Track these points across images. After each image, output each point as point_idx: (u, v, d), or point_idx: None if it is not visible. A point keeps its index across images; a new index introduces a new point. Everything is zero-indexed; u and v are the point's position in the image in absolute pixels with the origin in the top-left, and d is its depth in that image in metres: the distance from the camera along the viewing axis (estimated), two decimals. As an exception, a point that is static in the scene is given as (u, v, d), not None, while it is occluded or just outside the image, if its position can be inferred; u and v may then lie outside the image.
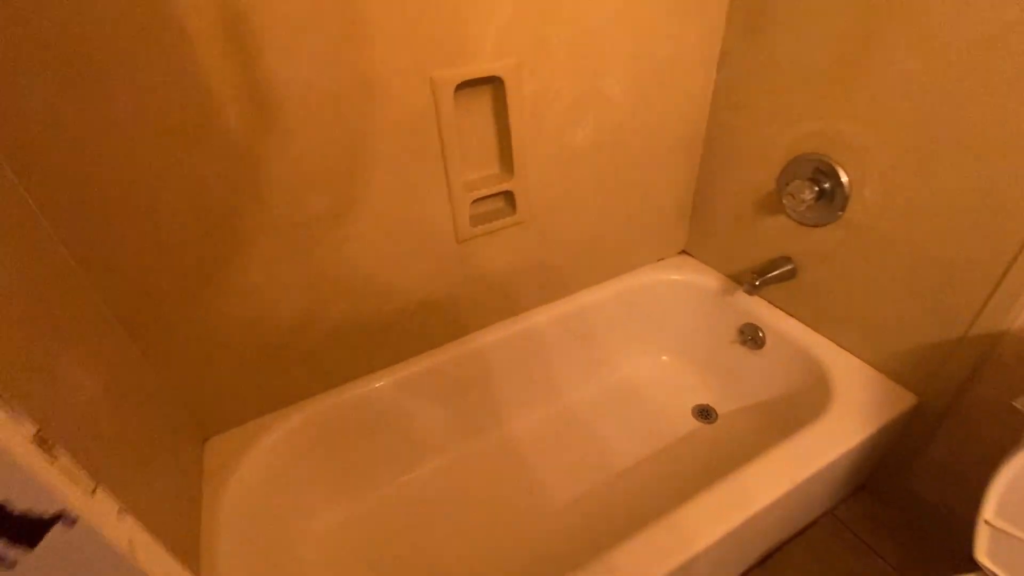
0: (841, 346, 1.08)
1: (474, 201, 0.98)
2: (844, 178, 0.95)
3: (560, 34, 0.89)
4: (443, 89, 0.83)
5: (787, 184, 1.02)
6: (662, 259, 1.38)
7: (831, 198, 0.98)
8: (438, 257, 1.01)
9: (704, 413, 1.30)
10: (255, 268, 0.84)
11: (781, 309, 1.19)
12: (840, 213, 0.98)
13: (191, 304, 0.82)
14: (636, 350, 1.40)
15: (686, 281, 1.32)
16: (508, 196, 1.03)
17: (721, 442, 1.23)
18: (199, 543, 0.81)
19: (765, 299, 1.21)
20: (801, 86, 0.97)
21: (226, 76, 0.69)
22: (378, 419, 1.10)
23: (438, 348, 1.13)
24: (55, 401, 0.56)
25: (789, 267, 1.11)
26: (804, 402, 1.08)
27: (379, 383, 1.07)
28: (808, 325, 1.14)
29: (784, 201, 1.02)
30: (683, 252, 1.41)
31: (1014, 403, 0.73)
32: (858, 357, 1.06)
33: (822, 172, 0.98)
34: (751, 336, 1.22)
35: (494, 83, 0.89)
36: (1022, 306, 0.79)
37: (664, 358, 1.42)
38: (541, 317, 1.21)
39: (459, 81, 0.84)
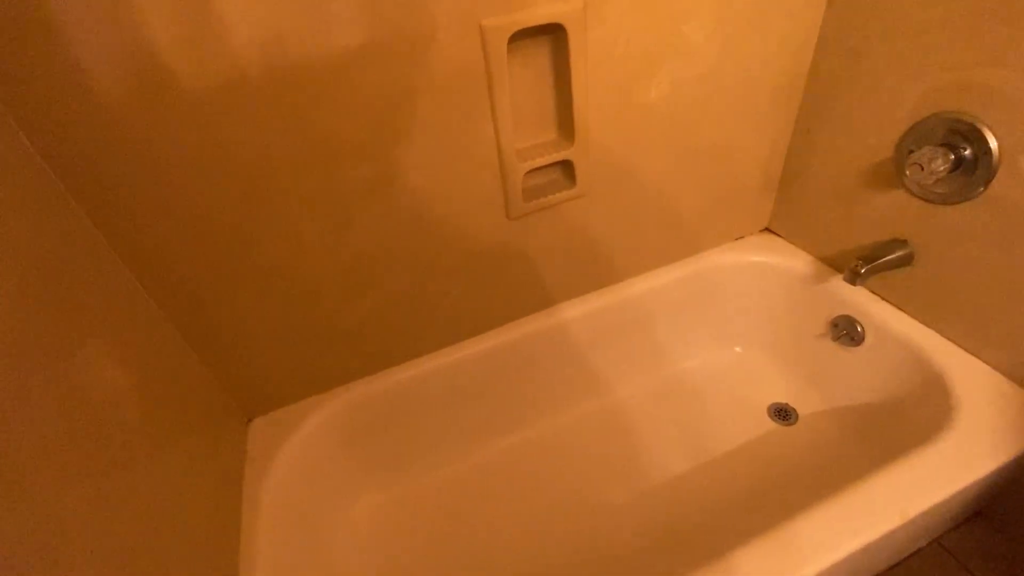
0: (966, 350, 0.90)
1: (528, 172, 0.86)
2: (993, 143, 0.75)
3: (635, -32, 0.74)
4: (495, 39, 0.71)
5: (912, 151, 0.83)
6: (741, 237, 1.21)
7: (972, 169, 0.79)
8: (486, 235, 0.91)
9: (782, 413, 1.15)
10: (294, 241, 0.78)
11: (887, 301, 1.00)
12: (981, 189, 0.79)
13: (231, 281, 0.78)
14: (706, 340, 1.25)
15: (769, 264, 1.15)
16: (566, 166, 0.90)
17: (801, 447, 1.09)
18: (240, 526, 0.79)
19: (867, 288, 1.03)
20: (939, 25, 0.77)
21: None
22: (422, 405, 1.04)
23: (486, 333, 1.05)
24: (73, 390, 0.53)
25: (905, 252, 0.92)
26: (914, 414, 0.91)
27: (423, 367, 1.01)
28: (923, 322, 0.95)
29: (907, 172, 0.83)
30: (766, 230, 1.23)
31: None
32: (988, 364, 0.87)
33: (962, 136, 0.78)
34: (846, 330, 1.05)
35: (554, 32, 0.76)
36: None
37: (737, 349, 1.27)
38: (600, 302, 1.10)
39: (514, 30, 0.71)
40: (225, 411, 0.88)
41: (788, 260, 1.13)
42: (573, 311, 1.09)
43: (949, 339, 0.92)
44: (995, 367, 0.87)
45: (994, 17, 0.71)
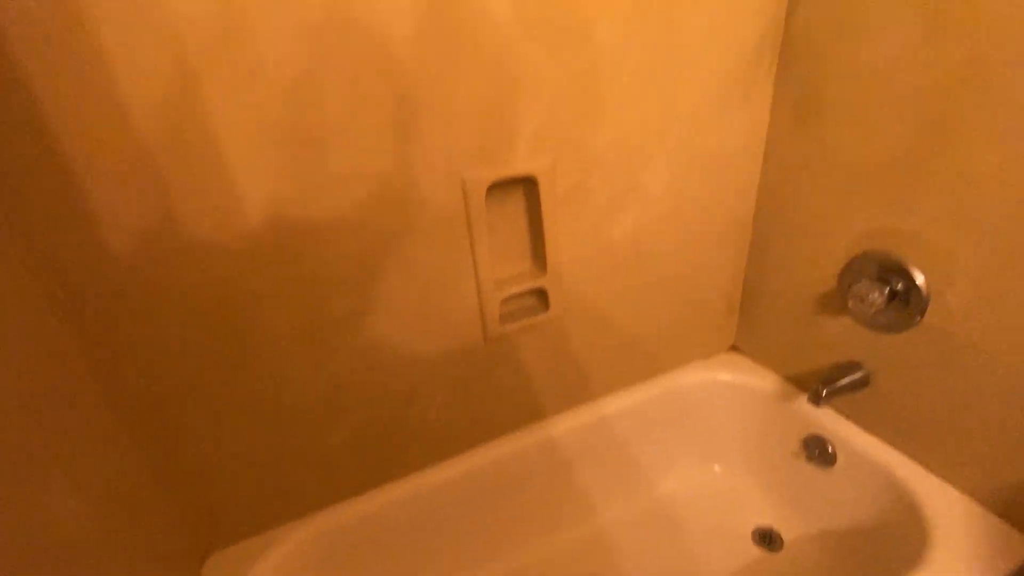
0: (932, 471, 0.92)
1: (505, 299, 0.92)
2: (920, 279, 0.84)
3: (598, 133, 0.87)
4: (475, 189, 0.80)
5: (851, 285, 0.92)
6: (710, 356, 1.26)
7: (906, 301, 0.87)
8: (464, 358, 0.95)
9: (767, 538, 1.12)
10: (277, 371, 0.80)
11: (854, 422, 1.04)
12: (919, 318, 0.86)
13: (211, 410, 0.78)
14: (684, 460, 1.25)
15: (738, 382, 1.19)
16: (541, 293, 0.97)
17: (789, 577, 1.05)
18: None
19: (833, 409, 1.07)
20: (861, 181, 0.89)
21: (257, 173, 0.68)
22: (394, 533, 0.99)
23: (458, 456, 1.03)
24: (34, 526, 0.51)
25: (860, 374, 0.98)
26: (893, 539, 0.90)
27: (394, 493, 0.98)
28: (890, 444, 0.98)
29: (849, 303, 0.91)
30: (733, 348, 1.29)
31: None
32: (956, 487, 0.89)
33: (893, 271, 0.88)
34: (818, 450, 1.07)
35: (527, 182, 0.86)
36: None
37: (717, 468, 1.26)
38: (573, 422, 1.11)
39: (491, 181, 0.81)
40: (181, 546, 0.82)
41: (755, 379, 1.18)
42: (551, 430, 1.09)
43: (916, 461, 0.94)
44: (964, 491, 0.88)
45: (902, 175, 0.83)
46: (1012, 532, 0.81)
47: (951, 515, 0.85)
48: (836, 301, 1.00)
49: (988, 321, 0.78)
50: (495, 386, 1.01)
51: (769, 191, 1.07)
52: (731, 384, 1.20)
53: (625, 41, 0.82)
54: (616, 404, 1.15)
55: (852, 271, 0.94)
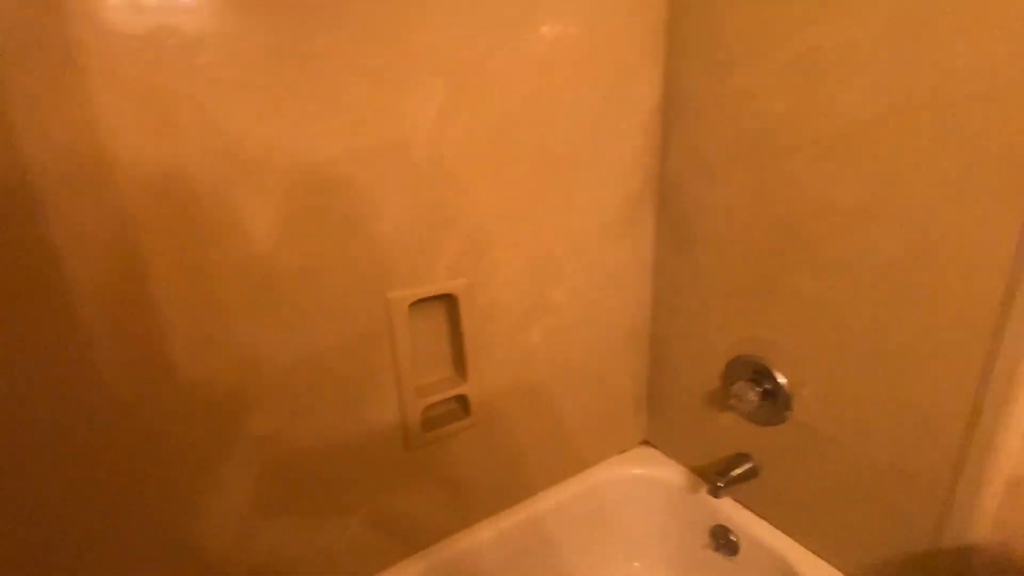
0: (815, 553, 1.02)
1: (427, 407, 0.97)
2: (782, 380, 1.00)
3: (510, 257, 0.99)
4: (398, 308, 0.88)
5: (731, 384, 1.06)
6: (624, 451, 1.35)
7: (775, 398, 1.02)
8: (386, 468, 0.96)
9: (687, 637, 1.15)
10: (179, 495, 0.78)
11: (750, 510, 1.14)
12: (788, 412, 1.01)
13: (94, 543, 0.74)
14: (606, 558, 1.28)
15: (649, 476, 1.28)
16: (462, 399, 1.03)
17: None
18: None
19: (732, 498, 1.17)
20: (727, 298, 1.07)
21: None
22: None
23: (386, 571, 1.01)
24: None
25: (749, 466, 1.09)
26: (791, 628, 0.97)
27: (310, 621, 0.92)
28: (780, 529, 1.08)
29: (730, 402, 1.05)
30: (645, 443, 1.38)
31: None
32: (834, 567, 0.99)
33: (762, 373, 1.03)
34: (724, 540, 1.14)
35: (448, 299, 0.96)
36: (983, 523, 0.78)
37: (636, 564, 1.30)
38: (499, 527, 1.12)
39: (413, 300, 0.90)
40: None
41: (664, 472, 1.27)
42: (478, 536, 1.09)
43: (802, 544, 1.04)
44: (840, 569, 0.98)
45: (756, 293, 1.01)
46: (884, 608, 0.91)
47: (834, 597, 0.93)
48: (723, 399, 1.14)
49: (835, 415, 0.93)
50: (419, 495, 1.02)
51: (661, 303, 1.24)
52: (643, 478, 1.28)
53: (533, 183, 0.98)
54: (539, 505, 1.18)
55: (732, 372, 1.09)
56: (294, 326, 0.81)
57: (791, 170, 0.90)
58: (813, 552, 1.02)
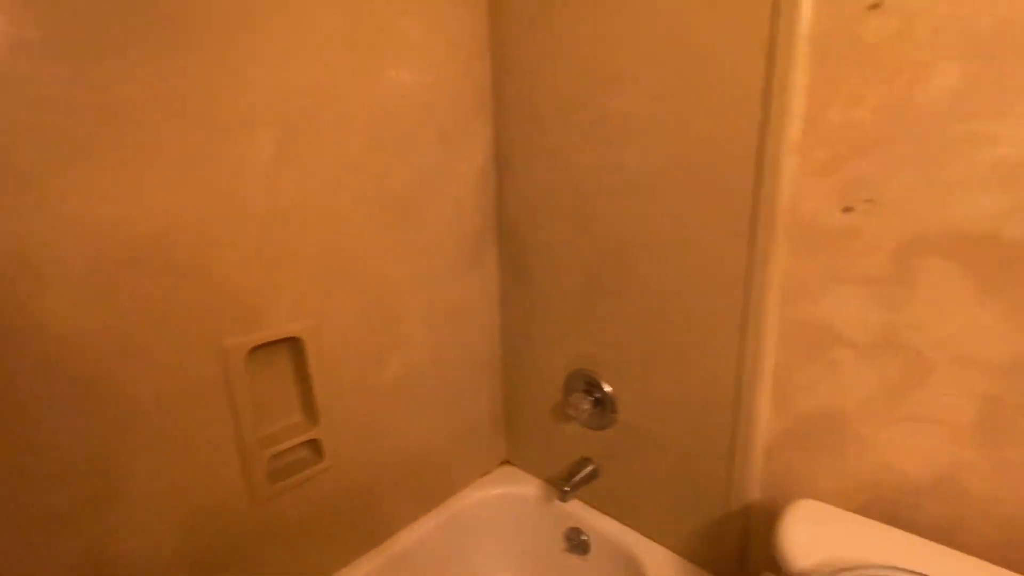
0: (649, 537, 1.18)
1: (274, 456, 0.94)
2: (608, 388, 1.16)
3: (356, 297, 1.02)
4: (235, 355, 0.86)
5: (568, 396, 1.20)
6: (487, 473, 1.42)
7: (604, 405, 1.17)
8: (230, 527, 0.91)
9: (552, 640, 1.23)
10: None
11: (596, 509, 1.27)
12: (615, 416, 1.17)
13: None
14: (475, 579, 1.32)
15: (509, 494, 1.36)
16: (314, 444, 1.01)
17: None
18: None
19: (581, 500, 1.30)
20: (561, 320, 1.22)
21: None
22: None
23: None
24: None
25: (591, 468, 1.23)
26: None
27: None
28: (621, 521, 1.23)
29: (569, 412, 1.18)
30: (506, 462, 1.47)
31: None
32: (664, 546, 1.15)
33: (592, 384, 1.18)
34: (576, 541, 1.26)
35: (292, 342, 0.95)
36: (754, 485, 0.98)
37: (505, 581, 1.36)
38: (359, 572, 1.10)
39: (253, 346, 0.88)
40: None
41: (523, 487, 1.36)
42: (337, 586, 1.06)
43: (639, 531, 1.19)
44: (669, 547, 1.15)
45: (583, 315, 1.17)
46: (700, 571, 1.09)
47: (663, 569, 1.09)
48: (565, 411, 1.27)
49: (648, 413, 1.11)
50: (272, 549, 0.97)
51: (509, 330, 1.35)
52: (504, 496, 1.36)
53: (375, 225, 1.03)
54: (403, 541, 1.19)
55: (570, 386, 1.23)
56: (107, 394, 0.74)
57: (600, 211, 1.08)
58: (647, 536, 1.18)
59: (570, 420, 1.27)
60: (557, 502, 1.30)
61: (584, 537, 1.25)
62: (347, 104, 0.94)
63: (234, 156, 0.82)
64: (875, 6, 0.69)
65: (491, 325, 1.34)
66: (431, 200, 1.12)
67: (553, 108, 1.10)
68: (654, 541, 1.17)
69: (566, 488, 1.18)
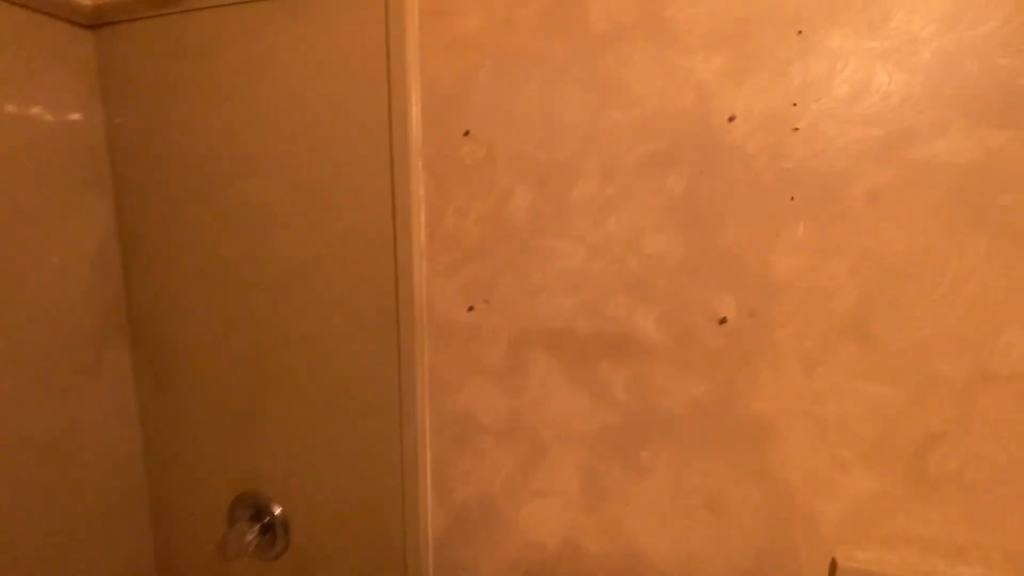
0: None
1: None
2: (277, 510, 1.00)
3: None
4: None
5: (231, 528, 0.99)
6: (124, 654, 1.06)
7: (274, 530, 1.00)
8: None
9: None
10: None
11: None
12: (287, 539, 1.01)
13: None
14: None
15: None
16: None
17: None
18: None
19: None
20: (218, 434, 1.02)
21: None
22: None
23: None
24: None
25: (265, 609, 1.03)
26: None
27: None
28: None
29: (229, 550, 0.97)
30: (161, 626, 1.13)
31: None
32: None
33: (261, 508, 1.00)
34: None
35: None
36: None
37: None
38: None
39: None
40: None
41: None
42: None
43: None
44: None
45: (243, 425, 1.00)
46: None
47: None
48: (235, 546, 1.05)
49: (327, 530, 0.99)
50: None
51: (154, 452, 1.07)
52: None
53: None
54: None
55: (235, 514, 1.02)
56: None
57: (253, 305, 0.95)
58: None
59: (237, 557, 1.05)
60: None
61: None
62: None
63: None
64: (466, 133, 0.79)
65: (127, 450, 1.04)
66: (11, 304, 0.82)
67: (190, 188, 0.95)
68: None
69: (226, 649, 0.95)
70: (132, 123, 0.96)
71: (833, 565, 0.73)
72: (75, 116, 0.93)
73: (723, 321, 0.73)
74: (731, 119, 0.69)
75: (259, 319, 0.95)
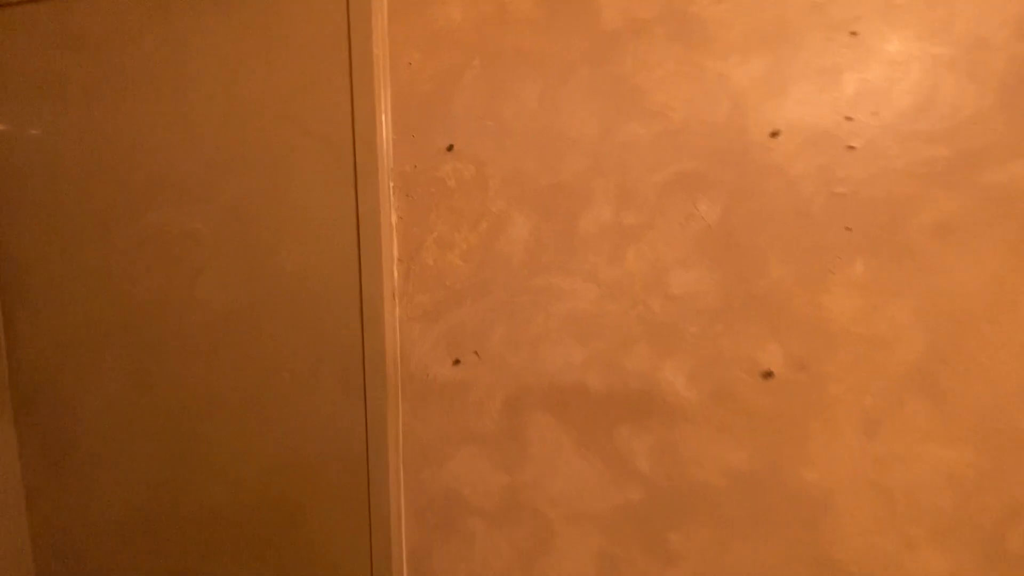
0: None
1: None
2: (210, 616, 0.80)
3: None
4: None
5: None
6: None
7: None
8: None
9: None
10: None
11: None
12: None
13: None
14: None
15: None
16: None
17: None
18: None
19: None
20: (130, 523, 0.81)
21: None
22: None
23: None
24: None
25: None
26: None
27: None
28: None
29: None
30: None
31: None
32: None
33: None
34: None
35: None
36: None
37: None
38: None
39: None
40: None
41: None
42: None
43: None
44: None
45: (161, 513, 0.79)
46: None
47: None
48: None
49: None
50: None
51: (45, 548, 0.84)
52: None
53: None
54: None
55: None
56: None
57: (172, 364, 0.76)
58: None
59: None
60: None
61: None
62: None
63: None
64: (449, 147, 0.64)
65: (15, 544, 0.80)
66: None
67: (89, 216, 0.75)
68: None
69: None
70: (10, 131, 0.75)
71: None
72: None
73: (768, 375, 0.60)
74: (774, 135, 0.58)
75: (180, 382, 0.76)
